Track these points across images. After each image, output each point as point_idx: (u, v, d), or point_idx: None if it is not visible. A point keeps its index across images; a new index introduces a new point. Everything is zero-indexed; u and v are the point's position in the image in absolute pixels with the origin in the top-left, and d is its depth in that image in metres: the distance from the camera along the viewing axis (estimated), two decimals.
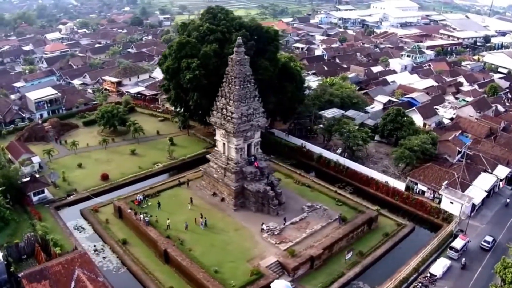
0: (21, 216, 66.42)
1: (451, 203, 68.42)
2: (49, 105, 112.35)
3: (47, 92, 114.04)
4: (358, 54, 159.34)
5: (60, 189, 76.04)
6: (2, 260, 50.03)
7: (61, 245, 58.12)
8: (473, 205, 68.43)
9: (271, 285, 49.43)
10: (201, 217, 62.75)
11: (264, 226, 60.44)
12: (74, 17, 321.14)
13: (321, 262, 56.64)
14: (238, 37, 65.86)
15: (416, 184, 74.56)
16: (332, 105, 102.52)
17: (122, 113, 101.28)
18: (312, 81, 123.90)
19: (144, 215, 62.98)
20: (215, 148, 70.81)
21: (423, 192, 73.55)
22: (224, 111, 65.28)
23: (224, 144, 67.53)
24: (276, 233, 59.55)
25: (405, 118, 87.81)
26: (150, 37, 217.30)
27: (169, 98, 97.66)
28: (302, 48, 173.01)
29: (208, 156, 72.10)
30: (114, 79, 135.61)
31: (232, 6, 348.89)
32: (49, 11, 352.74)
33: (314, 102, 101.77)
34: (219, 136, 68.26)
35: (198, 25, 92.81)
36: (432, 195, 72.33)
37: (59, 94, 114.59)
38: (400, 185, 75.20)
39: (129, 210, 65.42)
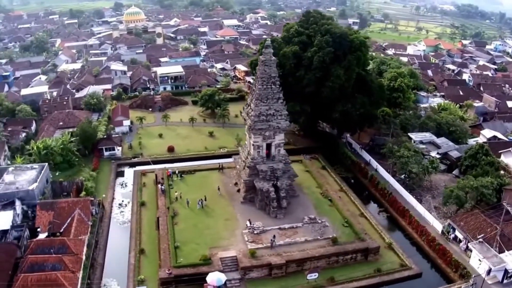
0: (87, 164, 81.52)
1: (480, 260, 57.76)
2: (172, 80, 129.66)
3: (174, 69, 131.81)
4: (507, 85, 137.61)
5: (131, 150, 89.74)
6: (34, 188, 63.77)
7: (91, 192, 70.21)
8: (506, 271, 56.37)
9: (209, 274, 51.64)
10: (205, 199, 67.46)
11: (248, 223, 61.78)
12: (277, 8, 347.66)
13: (283, 273, 55.55)
14: (267, 39, 67.09)
15: (454, 229, 64.44)
16: (427, 129, 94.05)
17: (221, 98, 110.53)
18: (433, 103, 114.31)
19: (161, 185, 70.76)
20: (245, 142, 73.96)
21: (460, 240, 63.29)
22: (249, 107, 67.92)
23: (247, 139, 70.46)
24: (255, 232, 60.32)
25: (487, 157, 75.17)
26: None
27: None
28: (453, 70, 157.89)
29: (239, 148, 75.74)
30: (243, 68, 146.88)
31: (434, 22, 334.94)
32: None
33: (407, 122, 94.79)
34: (246, 130, 71.31)
35: (290, 26, 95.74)
36: (465, 246, 61.82)
37: (184, 72, 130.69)
38: (438, 226, 66.09)
39: (161, 178, 74.24)
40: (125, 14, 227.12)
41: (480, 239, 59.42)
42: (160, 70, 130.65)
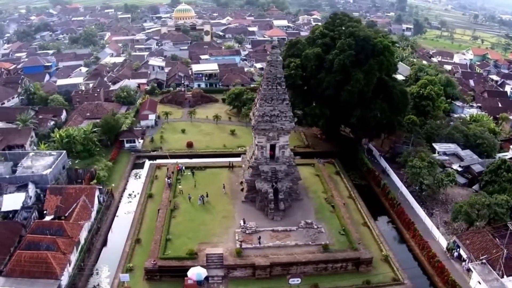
0: (107, 155, 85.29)
1: (479, 283, 54.57)
2: (207, 78, 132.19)
3: (209, 67, 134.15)
4: None
5: (152, 144, 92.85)
6: (48, 173, 68.01)
7: (103, 180, 73.63)
8: None
9: (191, 268, 52.85)
10: (206, 196, 68.74)
11: (241, 222, 62.22)
12: (335, 11, 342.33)
13: (267, 275, 55.40)
14: (274, 40, 66.95)
15: (459, 247, 61.19)
16: (454, 140, 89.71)
17: (248, 97, 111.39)
18: (467, 114, 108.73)
19: (168, 179, 72.88)
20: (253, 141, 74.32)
21: (464, 259, 60.02)
22: (254, 107, 68.26)
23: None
24: (247, 232, 60.63)
25: (509, 173, 70.50)
26: None
27: None
28: (496, 81, 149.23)
29: (247, 147, 76.23)
30: None
31: (491, 32, 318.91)
32: (311, 1, 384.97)
33: (432, 132, 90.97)
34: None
35: (315, 28, 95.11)
36: (467, 266, 58.54)
37: (218, 70, 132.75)
38: (443, 242, 63.10)
39: (171, 173, 76.51)
40: (175, 10, 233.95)
41: (483, 260, 56.22)
42: (195, 67, 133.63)
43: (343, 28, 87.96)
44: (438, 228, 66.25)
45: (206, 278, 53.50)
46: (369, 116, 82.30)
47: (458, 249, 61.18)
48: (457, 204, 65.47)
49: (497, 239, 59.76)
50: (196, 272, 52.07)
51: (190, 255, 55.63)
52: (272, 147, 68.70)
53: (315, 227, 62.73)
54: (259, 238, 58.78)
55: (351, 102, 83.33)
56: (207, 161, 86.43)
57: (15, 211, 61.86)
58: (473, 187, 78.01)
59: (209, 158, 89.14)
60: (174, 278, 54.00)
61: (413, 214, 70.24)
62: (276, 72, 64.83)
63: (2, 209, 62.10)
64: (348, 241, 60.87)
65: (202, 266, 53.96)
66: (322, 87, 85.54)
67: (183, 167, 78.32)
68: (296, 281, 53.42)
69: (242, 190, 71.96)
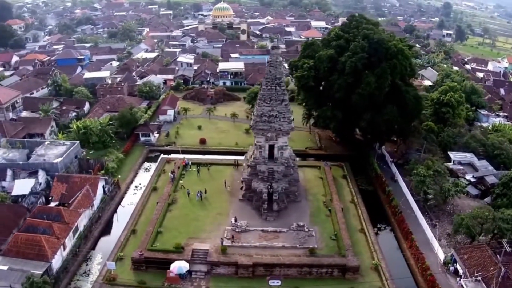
0: (122, 147, 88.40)
1: None
2: (232, 76, 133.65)
3: (235, 65, 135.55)
4: None
5: (167, 139, 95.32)
6: (59, 162, 71.76)
7: (112, 172, 76.58)
8: None
9: (174, 262, 54.34)
10: (205, 192, 70.06)
11: (232, 220, 62.96)
12: (380, 14, 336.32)
13: (250, 275, 55.81)
14: (274, 40, 66.94)
15: (456, 261, 58.89)
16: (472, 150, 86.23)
17: None
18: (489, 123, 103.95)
19: (173, 174, 74.85)
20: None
21: (460, 275, 57.70)
22: (255, 107, 68.71)
23: None
24: (237, 230, 61.29)
25: None
26: None
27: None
28: None
29: (250, 146, 76.82)
30: None
31: None
32: (357, 4, 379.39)
33: (448, 139, 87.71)
34: None
35: (332, 29, 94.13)
36: (460, 282, 56.19)
37: (243, 69, 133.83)
38: (441, 255, 61.00)
39: (177, 167, 78.56)
40: (214, 9, 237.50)
41: (478, 277, 53.83)
42: (221, 65, 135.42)
43: (358, 30, 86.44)
44: (439, 240, 64.02)
45: (190, 272, 54.77)
46: (380, 120, 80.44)
47: (455, 264, 58.91)
48: (459, 216, 62.94)
49: (498, 256, 57.03)
50: (178, 266, 53.44)
51: (176, 249, 57.02)
52: (271, 148, 68.90)
53: (306, 230, 62.40)
54: (232, 237, 59.27)
55: (362, 105, 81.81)
56: (216, 158, 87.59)
57: (23, 196, 65.83)
58: (485, 199, 74.59)
59: (219, 155, 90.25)
60: (159, 270, 55.49)
61: (414, 223, 68.15)
62: (276, 73, 64.94)
63: (13, 193, 66.32)
64: (337, 246, 60.15)
65: (186, 260, 55.27)
66: (334, 89, 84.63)
67: (190, 163, 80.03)
68: (276, 282, 53.41)
69: (241, 188, 72.67)
